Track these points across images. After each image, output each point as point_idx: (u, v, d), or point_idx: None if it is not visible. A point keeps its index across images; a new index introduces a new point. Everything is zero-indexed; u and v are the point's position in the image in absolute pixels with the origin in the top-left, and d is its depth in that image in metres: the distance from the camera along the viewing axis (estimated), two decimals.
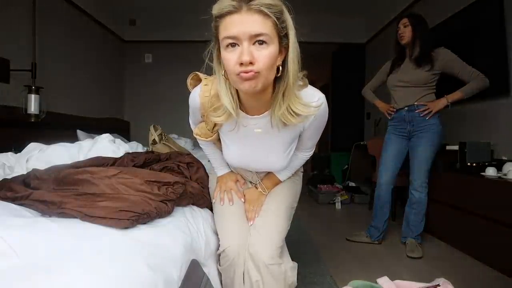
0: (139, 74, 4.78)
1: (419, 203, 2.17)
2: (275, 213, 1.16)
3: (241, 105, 0.96)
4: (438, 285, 0.81)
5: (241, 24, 0.76)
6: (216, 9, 0.79)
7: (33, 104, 2.35)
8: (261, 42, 0.78)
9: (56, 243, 0.73)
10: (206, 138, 1.06)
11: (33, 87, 2.36)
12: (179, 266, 0.88)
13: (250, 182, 1.29)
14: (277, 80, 0.88)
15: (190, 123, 1.18)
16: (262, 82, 0.82)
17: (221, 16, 0.79)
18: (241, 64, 0.78)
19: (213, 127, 1.04)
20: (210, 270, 1.13)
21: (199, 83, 1.03)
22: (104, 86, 4.17)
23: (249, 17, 0.76)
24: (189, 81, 1.07)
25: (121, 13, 4.42)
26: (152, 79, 4.77)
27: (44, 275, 0.62)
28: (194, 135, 1.10)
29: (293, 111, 0.89)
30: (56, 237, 0.75)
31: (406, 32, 2.14)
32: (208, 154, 1.23)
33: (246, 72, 0.79)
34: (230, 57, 0.80)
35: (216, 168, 1.24)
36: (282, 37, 0.83)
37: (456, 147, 2.33)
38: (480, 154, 2.25)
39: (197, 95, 1.00)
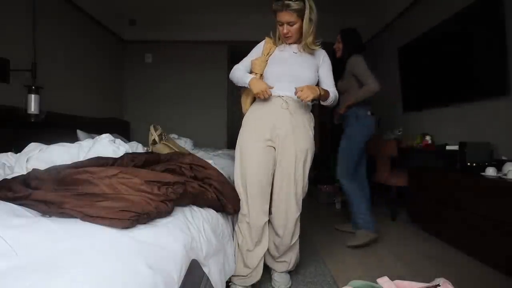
0: (139, 74, 4.77)
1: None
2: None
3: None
4: (438, 285, 0.81)
5: (283, 17, 1.59)
6: (273, 7, 1.60)
7: (33, 104, 2.35)
8: (291, 24, 1.61)
9: (56, 243, 0.73)
10: (260, 65, 1.68)
11: (33, 87, 2.36)
12: (179, 266, 0.88)
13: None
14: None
15: (244, 62, 1.76)
16: (293, 39, 1.67)
17: (275, 11, 1.60)
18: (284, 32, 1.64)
19: (267, 54, 1.71)
20: (210, 270, 1.13)
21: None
22: (104, 86, 4.17)
23: (285, 14, 1.57)
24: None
25: (121, 13, 4.42)
26: (152, 79, 4.77)
27: (44, 275, 0.63)
28: (251, 62, 1.72)
29: (311, 43, 1.69)
30: (56, 237, 0.75)
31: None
32: (239, 73, 1.70)
33: (286, 36, 1.65)
34: (280, 29, 1.65)
35: (247, 76, 1.65)
36: (303, 17, 1.61)
37: (456, 147, 2.33)
38: (480, 154, 2.25)
39: (264, 40, 1.77)
